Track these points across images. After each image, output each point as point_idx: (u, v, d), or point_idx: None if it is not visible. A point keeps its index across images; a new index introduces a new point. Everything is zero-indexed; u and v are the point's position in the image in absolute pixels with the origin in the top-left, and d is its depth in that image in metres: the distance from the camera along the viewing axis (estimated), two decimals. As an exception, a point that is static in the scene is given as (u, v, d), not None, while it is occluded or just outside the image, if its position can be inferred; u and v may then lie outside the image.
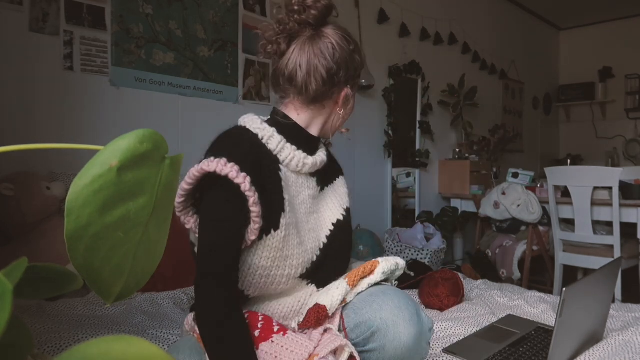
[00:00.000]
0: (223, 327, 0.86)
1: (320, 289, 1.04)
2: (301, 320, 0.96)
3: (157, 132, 0.39)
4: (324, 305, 0.94)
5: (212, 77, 2.43)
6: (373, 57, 3.24)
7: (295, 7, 0.98)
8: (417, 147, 3.64)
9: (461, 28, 4.02)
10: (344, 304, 0.98)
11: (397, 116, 3.42)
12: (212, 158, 0.88)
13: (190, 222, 0.96)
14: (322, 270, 1.04)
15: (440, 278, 1.70)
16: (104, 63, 2.05)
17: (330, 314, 0.95)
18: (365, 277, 1.00)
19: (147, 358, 0.25)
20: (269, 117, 1.06)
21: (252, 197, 0.88)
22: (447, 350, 1.23)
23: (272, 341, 0.88)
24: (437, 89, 3.80)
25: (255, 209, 0.89)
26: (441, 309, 1.63)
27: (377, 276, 0.99)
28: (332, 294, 0.96)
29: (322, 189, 1.10)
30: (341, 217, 1.09)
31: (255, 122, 1.00)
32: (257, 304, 1.02)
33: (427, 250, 2.83)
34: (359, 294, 0.99)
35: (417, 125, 3.66)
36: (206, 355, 0.87)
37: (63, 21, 1.93)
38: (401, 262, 1.05)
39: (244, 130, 0.99)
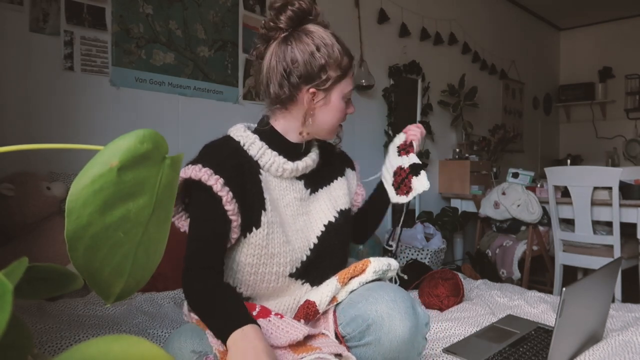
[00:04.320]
0: (211, 298, 0.91)
1: (315, 287, 1.06)
2: (292, 316, 0.99)
3: (157, 132, 0.39)
4: (313, 301, 0.97)
5: (212, 77, 2.43)
6: (373, 57, 3.24)
7: (271, 12, 1.02)
8: (417, 147, 3.64)
9: (461, 28, 4.02)
10: (335, 303, 0.99)
11: (397, 116, 3.42)
12: (189, 165, 0.95)
13: (184, 226, 1.02)
14: (316, 269, 1.06)
15: (440, 278, 1.70)
16: (104, 63, 2.05)
17: (320, 310, 0.97)
18: (356, 276, 1.01)
19: (147, 358, 0.25)
20: (256, 124, 1.10)
21: (225, 197, 0.93)
22: (447, 350, 1.23)
23: (270, 320, 0.91)
24: (437, 89, 3.80)
25: (229, 207, 0.94)
26: (441, 309, 1.63)
27: (368, 275, 1.00)
28: (321, 291, 0.98)
29: (314, 191, 1.11)
30: (333, 219, 1.09)
31: (238, 131, 1.05)
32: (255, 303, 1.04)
33: (427, 250, 2.83)
34: (351, 292, 1.00)
35: (417, 125, 3.65)
36: (207, 334, 0.91)
37: (63, 21, 1.93)
38: (394, 263, 1.05)
39: (228, 139, 1.05)
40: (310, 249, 1.05)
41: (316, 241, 1.06)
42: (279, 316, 0.94)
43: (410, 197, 1.17)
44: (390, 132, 3.38)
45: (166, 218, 0.43)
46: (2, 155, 1.64)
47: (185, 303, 1.01)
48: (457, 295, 1.67)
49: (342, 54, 1.03)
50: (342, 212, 1.12)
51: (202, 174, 0.93)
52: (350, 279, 1.00)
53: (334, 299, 0.98)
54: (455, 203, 3.68)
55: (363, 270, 1.01)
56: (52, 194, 1.69)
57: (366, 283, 1.00)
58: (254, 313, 0.94)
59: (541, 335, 1.33)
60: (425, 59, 3.66)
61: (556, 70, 5.72)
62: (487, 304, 1.66)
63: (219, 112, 2.43)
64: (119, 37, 2.09)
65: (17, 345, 0.34)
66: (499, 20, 4.60)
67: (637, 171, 3.10)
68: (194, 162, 0.97)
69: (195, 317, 0.94)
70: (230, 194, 0.94)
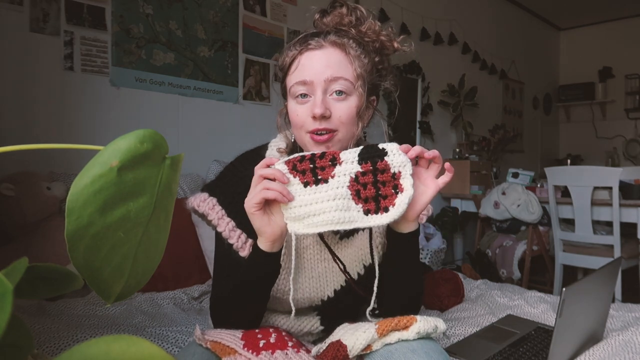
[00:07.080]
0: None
1: (325, 324, 1.01)
2: (320, 351, 0.91)
3: (157, 132, 0.39)
4: (345, 345, 0.87)
5: (212, 77, 2.43)
6: (373, 57, 3.24)
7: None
8: (417, 147, 3.64)
9: (461, 28, 4.02)
10: (368, 351, 0.89)
11: (397, 116, 3.42)
12: (198, 193, 0.94)
13: (246, 249, 0.92)
14: (329, 314, 1.01)
15: (441, 278, 1.70)
16: (104, 63, 2.06)
17: (350, 356, 0.88)
18: (397, 330, 0.89)
19: (147, 358, 0.25)
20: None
21: (223, 231, 0.89)
22: (447, 350, 1.23)
23: (287, 353, 0.85)
24: (437, 89, 3.80)
25: (231, 241, 0.89)
26: (441, 309, 1.63)
27: (410, 334, 0.88)
28: (357, 336, 0.88)
29: (345, 236, 0.98)
30: (356, 276, 0.98)
31: (274, 155, 0.97)
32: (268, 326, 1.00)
33: (427, 250, 2.83)
34: (387, 344, 0.89)
35: (417, 125, 3.66)
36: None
37: (63, 21, 1.93)
38: (441, 326, 0.91)
39: (260, 159, 0.96)
40: (322, 300, 0.97)
41: (332, 295, 0.97)
42: (296, 349, 0.87)
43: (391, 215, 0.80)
44: (390, 132, 3.38)
45: (166, 218, 0.43)
46: (2, 155, 1.64)
47: (197, 326, 0.92)
48: (457, 295, 1.67)
49: (282, 52, 0.94)
50: (368, 268, 0.98)
51: (204, 206, 0.90)
52: (391, 331, 0.89)
53: (368, 347, 0.89)
54: (455, 203, 3.68)
55: (406, 327, 0.88)
56: (52, 194, 1.69)
57: (407, 340, 0.89)
58: (271, 340, 0.87)
59: (541, 335, 1.33)
60: (425, 59, 3.66)
61: (556, 70, 5.72)
62: (487, 304, 1.66)
63: (219, 112, 2.43)
64: (119, 37, 2.09)
65: (17, 345, 0.34)
66: (499, 20, 4.60)
67: (637, 171, 3.10)
68: (209, 183, 0.95)
69: (210, 339, 0.85)
70: (230, 225, 0.89)
